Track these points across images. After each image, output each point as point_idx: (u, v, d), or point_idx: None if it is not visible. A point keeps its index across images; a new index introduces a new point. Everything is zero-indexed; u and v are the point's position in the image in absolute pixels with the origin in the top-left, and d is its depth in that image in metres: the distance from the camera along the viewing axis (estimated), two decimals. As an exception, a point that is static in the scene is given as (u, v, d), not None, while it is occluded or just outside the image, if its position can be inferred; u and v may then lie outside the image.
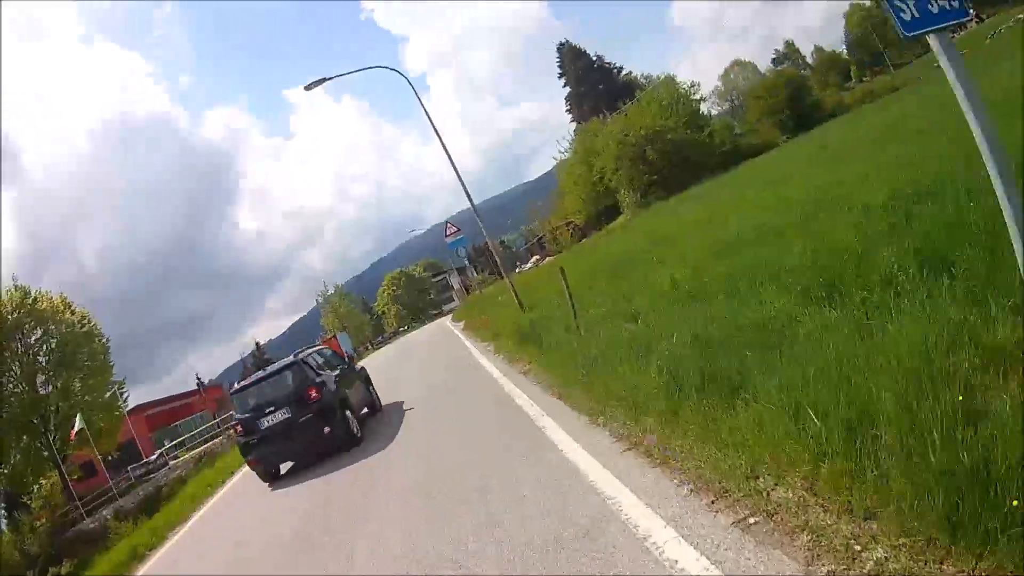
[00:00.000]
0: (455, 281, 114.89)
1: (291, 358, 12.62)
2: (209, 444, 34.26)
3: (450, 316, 56.94)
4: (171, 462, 30.45)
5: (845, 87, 68.48)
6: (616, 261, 20.05)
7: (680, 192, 40.40)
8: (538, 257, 73.46)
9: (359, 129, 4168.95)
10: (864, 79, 72.67)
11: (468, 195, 21.10)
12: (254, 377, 12.82)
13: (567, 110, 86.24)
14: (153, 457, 29.89)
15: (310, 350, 13.65)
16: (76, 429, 28.45)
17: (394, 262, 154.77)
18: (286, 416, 11.50)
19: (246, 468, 13.56)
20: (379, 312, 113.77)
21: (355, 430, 12.06)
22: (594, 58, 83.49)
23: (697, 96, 51.55)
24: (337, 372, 13.22)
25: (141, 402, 61.17)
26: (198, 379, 70.15)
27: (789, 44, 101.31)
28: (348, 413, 12.14)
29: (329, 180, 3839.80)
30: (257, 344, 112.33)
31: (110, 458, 39.19)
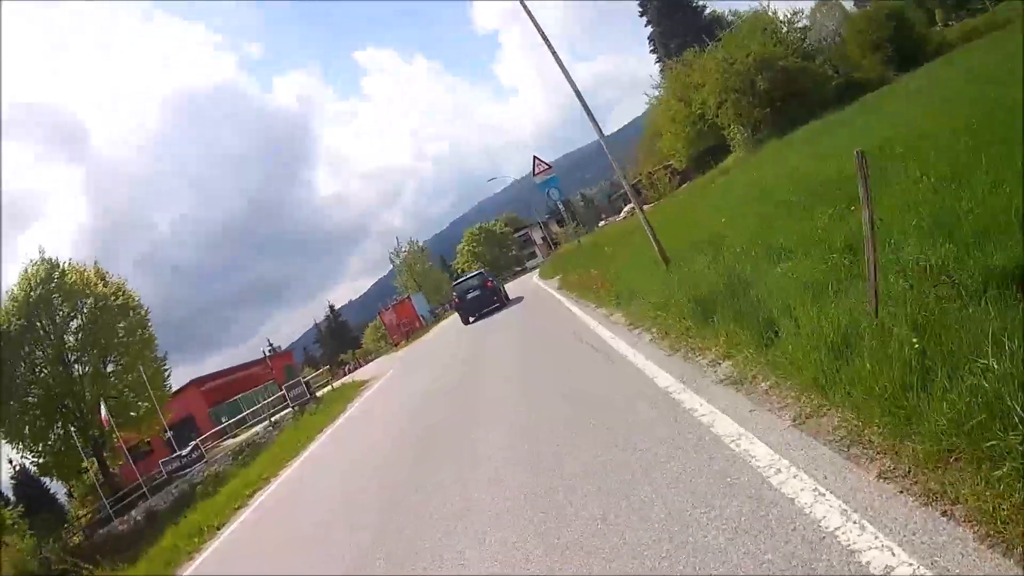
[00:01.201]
0: (537, 236, 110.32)
1: (480, 270, 34.61)
2: (260, 427, 29.99)
3: (536, 273, 51.84)
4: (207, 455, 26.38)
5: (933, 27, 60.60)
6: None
7: (794, 129, 34.21)
8: (632, 206, 65.18)
9: (432, 88, 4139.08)
10: (949, 23, 63.79)
11: (593, 119, 14.72)
12: (464, 277, 35.00)
13: (651, 50, 79.69)
14: (186, 451, 25.70)
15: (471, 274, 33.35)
16: (104, 416, 24.72)
17: (474, 220, 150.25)
18: (476, 293, 28.57)
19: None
20: (459, 270, 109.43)
21: (505, 299, 29.99)
22: (676, -7, 76.87)
23: (801, 23, 43.98)
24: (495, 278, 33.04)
25: (201, 374, 58.60)
26: (269, 345, 67.01)
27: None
28: (502, 292, 30.57)
29: (405, 140, 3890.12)
30: (331, 307, 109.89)
31: (166, 438, 35.47)
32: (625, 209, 61.84)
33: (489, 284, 29.17)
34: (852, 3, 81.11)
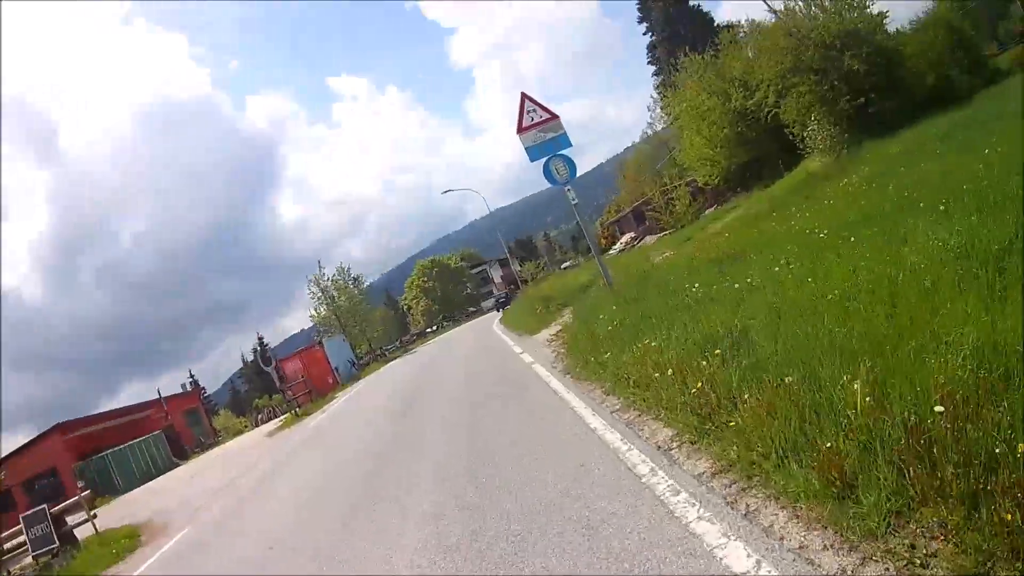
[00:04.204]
0: (496, 274, 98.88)
1: (503, 293, 69.67)
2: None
3: (496, 318, 38.23)
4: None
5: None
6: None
7: (886, 133, 23.14)
8: (632, 236, 54.48)
9: (403, 120, 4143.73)
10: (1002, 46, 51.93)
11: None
12: (500, 295, 70.21)
13: (649, 61, 71.49)
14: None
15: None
16: None
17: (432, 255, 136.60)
18: (504, 300, 57.95)
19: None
20: (405, 307, 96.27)
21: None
22: (677, -4, 68.39)
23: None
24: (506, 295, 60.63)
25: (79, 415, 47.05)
26: (191, 377, 52.97)
27: None
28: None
29: (372, 170, 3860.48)
30: (260, 339, 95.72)
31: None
32: (624, 238, 50.22)
33: (508, 297, 57.43)
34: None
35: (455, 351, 25.01)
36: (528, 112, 12.84)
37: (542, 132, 12.82)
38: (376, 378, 31.61)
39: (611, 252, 52.84)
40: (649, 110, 44.49)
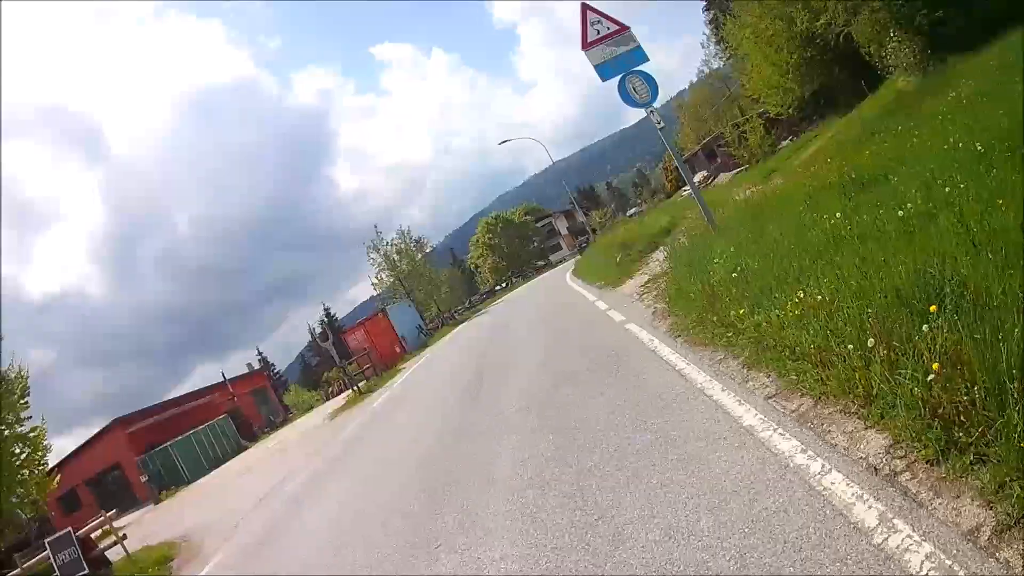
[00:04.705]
0: (562, 226, 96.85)
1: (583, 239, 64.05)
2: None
3: (568, 270, 35.56)
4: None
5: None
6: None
7: (961, 50, 20.51)
8: (705, 174, 50.64)
9: (452, 82, 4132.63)
10: None
11: None
12: (581, 239, 66.19)
13: None
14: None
15: None
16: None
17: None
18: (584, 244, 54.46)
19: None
20: (472, 266, 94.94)
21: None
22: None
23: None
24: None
25: (133, 410, 46.21)
26: (260, 359, 52.83)
27: None
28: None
29: (425, 135, 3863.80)
30: (327, 310, 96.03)
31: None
32: (698, 176, 47.46)
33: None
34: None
35: (528, 311, 22.93)
36: (592, 24, 10.72)
37: (612, 46, 10.71)
38: (443, 348, 29.55)
39: (683, 193, 50.08)
40: (703, 47, 40.87)
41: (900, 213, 5.82)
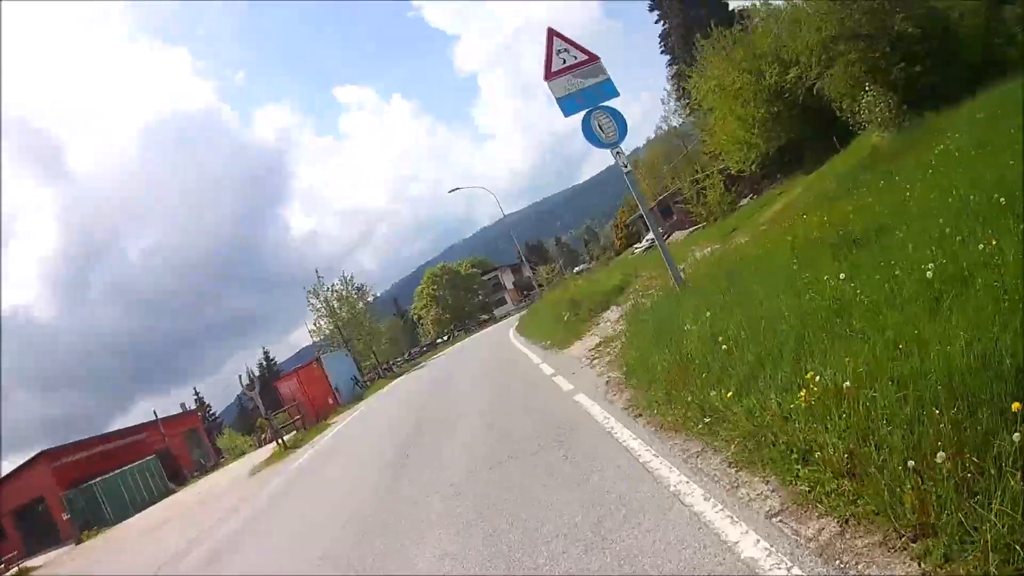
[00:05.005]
0: (508, 280, 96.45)
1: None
2: None
3: (512, 326, 34.06)
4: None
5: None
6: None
7: (941, 106, 20.07)
8: (661, 231, 49.28)
9: (410, 129, 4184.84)
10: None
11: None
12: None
13: (662, 50, 68.50)
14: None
15: None
16: None
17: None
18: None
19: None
20: (415, 316, 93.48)
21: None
22: (692, -17, 65.10)
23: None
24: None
25: (61, 443, 43.42)
26: (196, 395, 50.46)
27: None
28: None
29: (381, 180, 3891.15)
30: (266, 354, 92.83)
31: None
32: (648, 236, 46.84)
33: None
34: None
35: (468, 369, 21.09)
36: (558, 53, 9.63)
37: (579, 78, 9.61)
38: (376, 404, 27.71)
39: (635, 251, 49.49)
40: (663, 103, 40.64)
41: (928, 274, 4.61)
